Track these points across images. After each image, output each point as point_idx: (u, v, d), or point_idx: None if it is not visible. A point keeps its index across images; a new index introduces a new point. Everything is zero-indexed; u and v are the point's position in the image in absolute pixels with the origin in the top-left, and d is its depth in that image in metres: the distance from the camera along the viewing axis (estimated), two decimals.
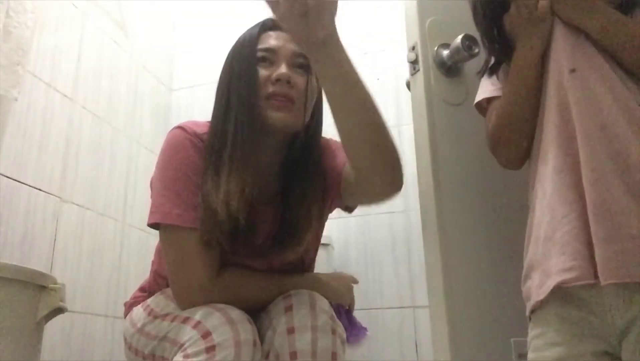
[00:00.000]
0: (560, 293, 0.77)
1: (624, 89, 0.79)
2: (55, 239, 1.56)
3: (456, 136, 1.11)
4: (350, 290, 1.20)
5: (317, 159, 1.10)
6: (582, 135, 0.78)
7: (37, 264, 1.45)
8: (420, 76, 1.10)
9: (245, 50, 1.07)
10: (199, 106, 2.24)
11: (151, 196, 1.06)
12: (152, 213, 1.03)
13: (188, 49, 2.36)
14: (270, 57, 1.05)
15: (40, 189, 1.53)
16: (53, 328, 1.38)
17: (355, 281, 1.23)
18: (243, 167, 0.99)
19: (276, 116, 1.02)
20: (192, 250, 1.00)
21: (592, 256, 0.74)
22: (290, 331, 0.96)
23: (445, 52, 1.12)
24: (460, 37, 1.08)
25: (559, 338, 0.77)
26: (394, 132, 1.96)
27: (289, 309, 0.99)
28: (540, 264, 0.80)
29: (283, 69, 1.03)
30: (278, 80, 1.02)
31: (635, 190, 0.74)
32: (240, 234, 0.98)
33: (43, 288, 1.10)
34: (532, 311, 0.82)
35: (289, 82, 1.03)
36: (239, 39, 1.11)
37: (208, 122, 1.10)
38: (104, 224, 1.78)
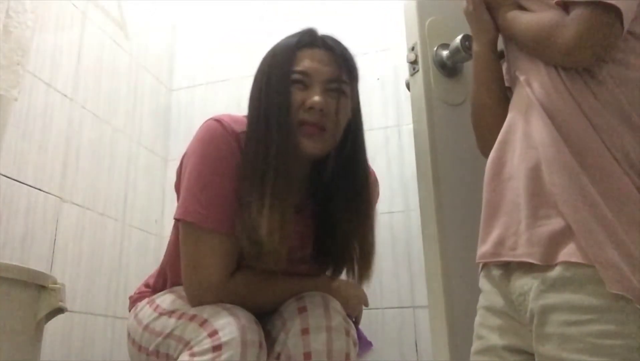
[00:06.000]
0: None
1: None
2: (55, 239, 1.56)
3: (456, 136, 1.11)
4: (360, 302, 1.20)
5: (364, 180, 1.13)
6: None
7: (37, 264, 1.45)
8: (419, 76, 1.10)
9: (281, 68, 1.07)
10: (199, 106, 2.23)
11: (181, 188, 1.07)
12: (178, 207, 1.05)
13: (188, 49, 2.36)
14: (305, 80, 1.05)
15: (40, 189, 1.53)
16: (53, 328, 1.37)
17: (366, 304, 1.23)
18: (284, 200, 1.00)
19: (307, 144, 1.04)
20: (209, 251, 1.00)
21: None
22: (305, 332, 0.96)
23: (445, 53, 1.12)
24: (459, 37, 1.08)
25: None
26: (393, 133, 1.95)
27: (302, 310, 0.99)
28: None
29: (317, 97, 1.03)
30: (311, 108, 1.03)
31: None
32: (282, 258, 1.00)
33: (43, 288, 1.09)
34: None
35: (322, 110, 1.03)
36: (276, 50, 1.10)
37: (245, 118, 1.10)
38: (104, 224, 1.78)
